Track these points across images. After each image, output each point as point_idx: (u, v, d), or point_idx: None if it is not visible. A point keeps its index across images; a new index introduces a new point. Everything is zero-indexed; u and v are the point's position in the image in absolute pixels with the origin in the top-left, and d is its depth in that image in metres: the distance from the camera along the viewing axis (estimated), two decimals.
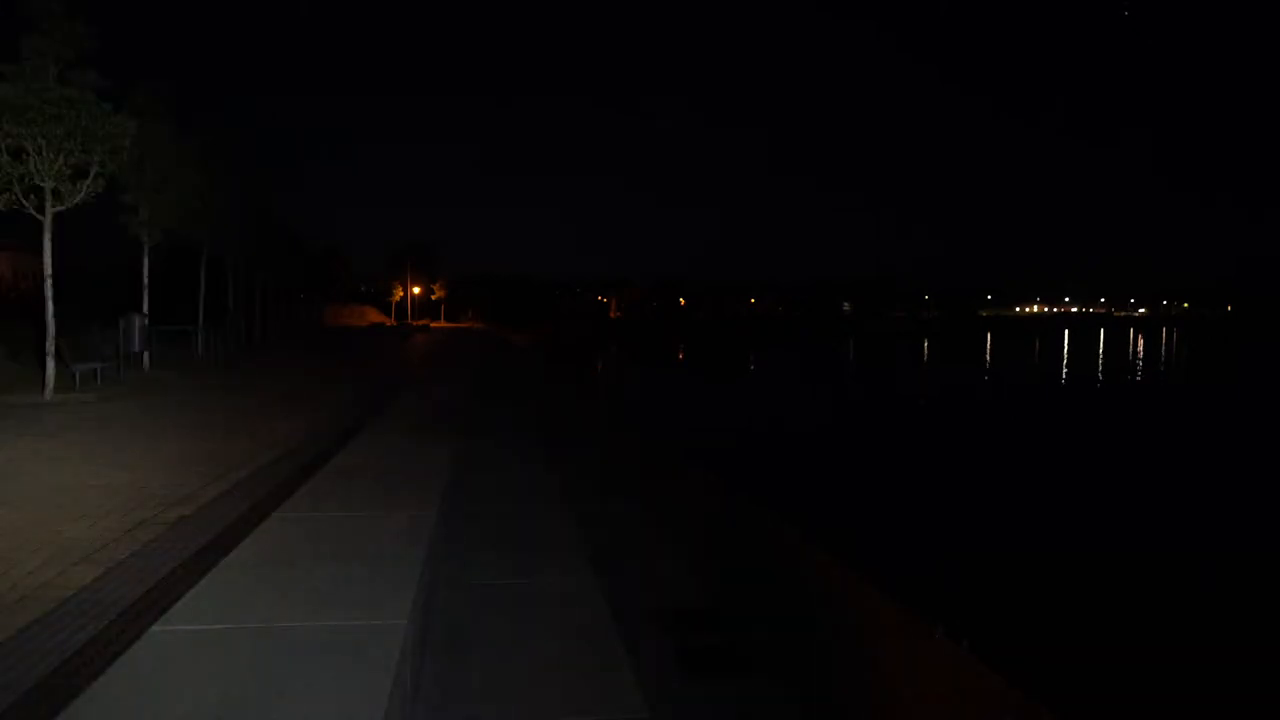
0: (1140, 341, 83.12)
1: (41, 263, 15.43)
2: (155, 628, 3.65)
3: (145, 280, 21.21)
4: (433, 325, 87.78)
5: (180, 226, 22.37)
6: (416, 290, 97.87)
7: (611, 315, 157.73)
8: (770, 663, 4.52)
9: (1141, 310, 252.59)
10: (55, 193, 15.07)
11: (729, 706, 4.07)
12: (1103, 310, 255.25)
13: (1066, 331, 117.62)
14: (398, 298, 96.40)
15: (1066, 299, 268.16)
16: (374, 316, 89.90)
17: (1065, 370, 45.23)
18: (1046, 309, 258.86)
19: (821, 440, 19.43)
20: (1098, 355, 58.33)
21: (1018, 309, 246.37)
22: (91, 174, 15.38)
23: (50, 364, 14.78)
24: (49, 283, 15.28)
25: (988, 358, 57.94)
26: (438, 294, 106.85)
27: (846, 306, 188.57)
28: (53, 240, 15.35)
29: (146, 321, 19.99)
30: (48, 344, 14.87)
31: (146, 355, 19.89)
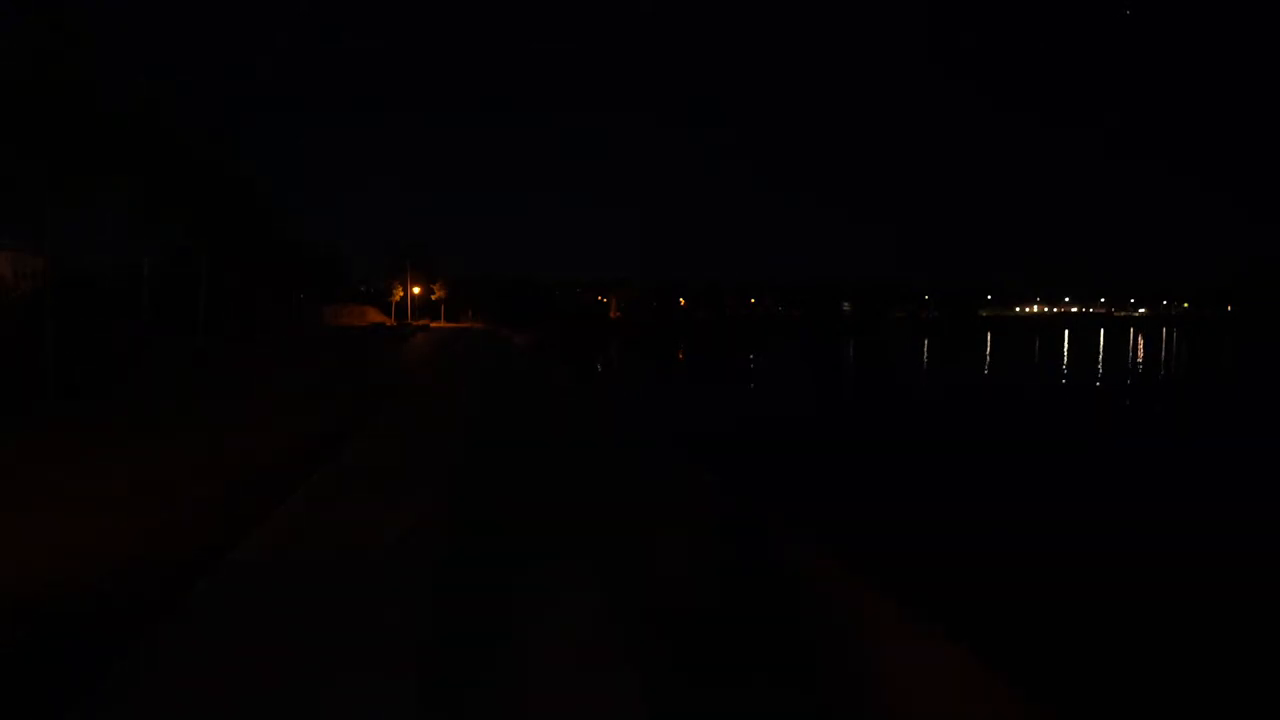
0: (1140, 341, 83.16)
1: (41, 263, 15.43)
2: (157, 627, 3.65)
3: (145, 282, 21.22)
4: (433, 325, 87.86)
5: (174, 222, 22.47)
6: (416, 290, 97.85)
7: (611, 315, 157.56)
8: (769, 663, 4.51)
9: (1141, 310, 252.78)
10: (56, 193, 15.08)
11: (728, 709, 4.07)
12: (1103, 310, 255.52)
13: (1067, 332, 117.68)
14: (398, 298, 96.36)
15: (1066, 299, 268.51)
16: (374, 316, 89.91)
17: (1067, 372, 45.18)
18: (1046, 309, 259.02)
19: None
20: (1098, 356, 58.36)
21: (1018, 309, 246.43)
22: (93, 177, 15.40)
23: (50, 367, 14.78)
24: (49, 285, 15.28)
25: (986, 359, 57.84)
26: (438, 294, 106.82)
27: (846, 306, 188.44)
28: (53, 241, 15.37)
29: (148, 319, 20.00)
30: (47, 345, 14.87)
31: (149, 355, 19.89)
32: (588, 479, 8.63)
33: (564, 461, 9.50)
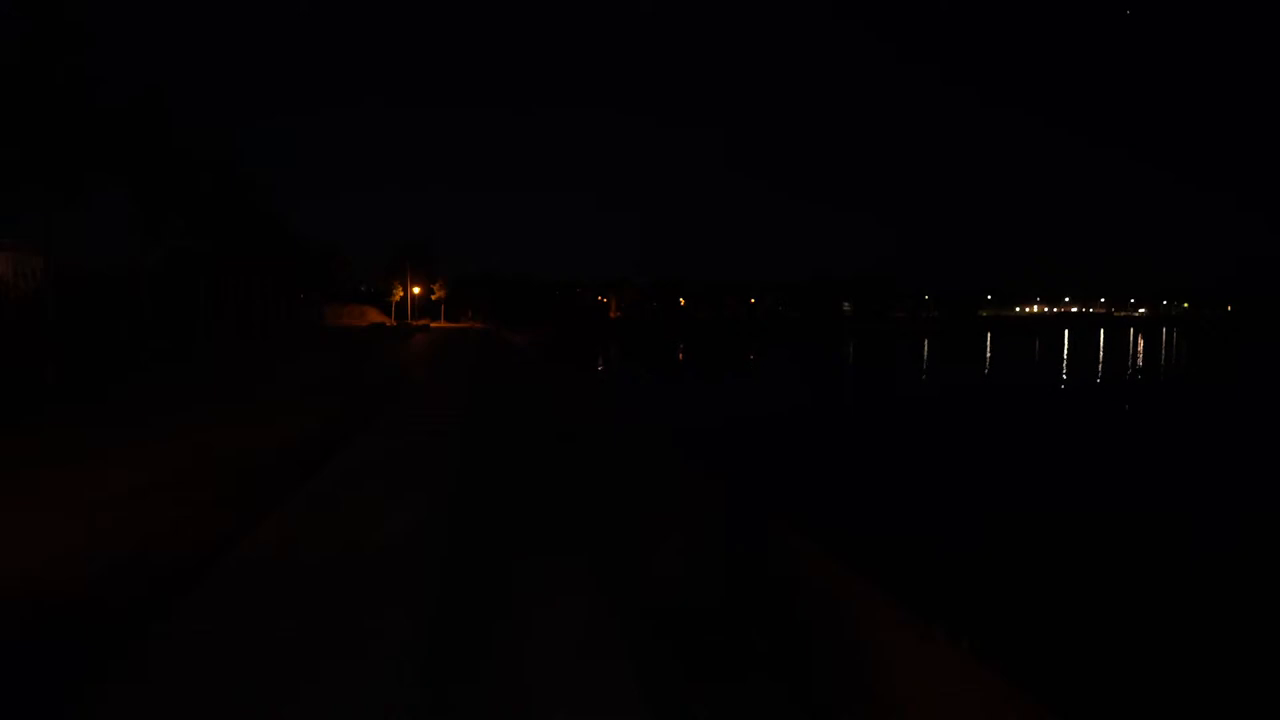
0: (1140, 341, 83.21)
1: (41, 262, 15.45)
2: (159, 628, 3.66)
3: (144, 282, 21.23)
4: (433, 325, 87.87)
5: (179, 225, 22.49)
6: (416, 290, 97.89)
7: (611, 315, 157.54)
8: (769, 663, 4.52)
9: (1141, 310, 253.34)
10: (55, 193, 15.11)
11: (729, 707, 4.08)
12: (1103, 310, 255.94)
13: (1066, 332, 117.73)
14: (398, 298, 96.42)
15: (1066, 299, 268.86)
16: (374, 316, 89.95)
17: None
18: (1046, 309, 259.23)
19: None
20: (1098, 357, 58.37)
21: (1018, 309, 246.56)
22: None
23: (50, 365, 14.79)
24: (49, 286, 15.30)
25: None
26: (438, 294, 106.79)
27: (847, 306, 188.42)
28: (53, 242, 15.39)
29: (148, 318, 20.02)
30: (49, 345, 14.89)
31: (147, 356, 19.90)
32: (587, 477, 8.65)
33: (563, 460, 9.51)
